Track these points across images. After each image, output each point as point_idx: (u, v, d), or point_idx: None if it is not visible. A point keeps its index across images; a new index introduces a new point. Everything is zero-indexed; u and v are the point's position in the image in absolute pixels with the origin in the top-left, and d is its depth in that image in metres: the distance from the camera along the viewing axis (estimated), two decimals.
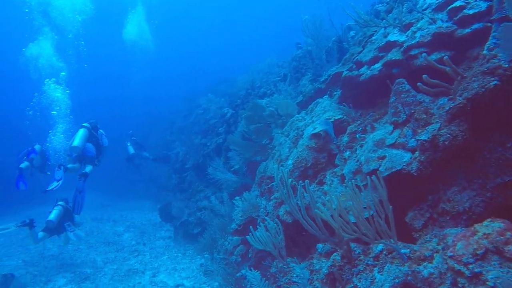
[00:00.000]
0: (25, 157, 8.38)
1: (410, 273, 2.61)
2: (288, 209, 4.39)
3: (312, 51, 7.93)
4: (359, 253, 3.25)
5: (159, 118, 17.28)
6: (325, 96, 5.93)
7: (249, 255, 5.66)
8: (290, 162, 4.78)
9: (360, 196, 2.96)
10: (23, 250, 9.56)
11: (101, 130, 8.24)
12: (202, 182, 9.98)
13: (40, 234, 7.41)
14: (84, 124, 7.87)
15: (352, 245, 3.30)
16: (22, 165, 7.98)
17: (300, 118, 5.82)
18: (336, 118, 4.69)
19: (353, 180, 3.49)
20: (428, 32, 3.52)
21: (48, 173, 8.77)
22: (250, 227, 4.13)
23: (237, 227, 5.30)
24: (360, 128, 4.18)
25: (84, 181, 7.40)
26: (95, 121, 8.18)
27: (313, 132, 4.76)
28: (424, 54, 3.06)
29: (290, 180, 4.20)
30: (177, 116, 15.47)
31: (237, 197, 5.91)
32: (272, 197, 4.93)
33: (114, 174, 17.15)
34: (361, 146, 3.90)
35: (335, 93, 5.64)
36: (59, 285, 7.13)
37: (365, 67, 4.27)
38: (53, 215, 7.51)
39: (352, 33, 6.94)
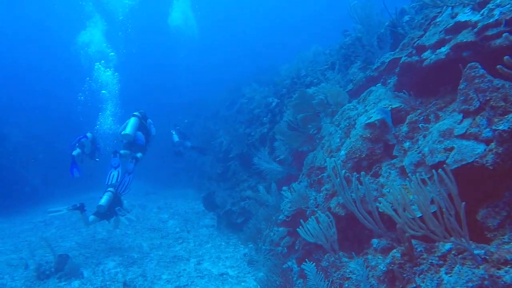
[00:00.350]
0: (77, 144, 8.65)
1: (487, 277, 2.34)
2: (341, 201, 4.19)
3: (362, 38, 7.58)
4: (421, 251, 3.00)
5: (203, 107, 17.36)
6: (378, 84, 5.62)
7: (296, 247, 5.50)
8: (342, 153, 4.55)
9: (426, 190, 2.71)
10: (76, 232, 9.90)
11: (150, 120, 8.44)
12: (246, 172, 9.91)
13: (91, 217, 7.72)
14: (135, 113, 8.09)
15: (413, 242, 3.06)
16: (74, 152, 8.23)
17: (352, 107, 5.55)
18: (393, 106, 4.40)
19: (417, 173, 3.22)
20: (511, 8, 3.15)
21: (97, 159, 9.05)
22: (301, 220, 3.96)
23: (285, 218, 5.15)
24: (422, 118, 3.88)
25: (135, 164, 7.72)
26: (144, 111, 8.37)
27: (368, 121, 4.50)
28: (506, 34, 2.74)
29: (343, 171, 3.97)
30: (221, 106, 15.49)
31: (284, 188, 5.76)
32: (323, 188, 4.72)
33: (158, 163, 17.46)
34: (424, 136, 3.61)
35: (389, 81, 5.33)
36: (109, 267, 7.29)
37: (429, 51, 3.94)
38: (103, 200, 7.80)
39: (406, 17, 6.56)
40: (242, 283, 6.25)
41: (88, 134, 9.14)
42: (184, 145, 12.14)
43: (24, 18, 32.48)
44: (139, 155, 7.98)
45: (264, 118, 9.65)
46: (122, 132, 7.72)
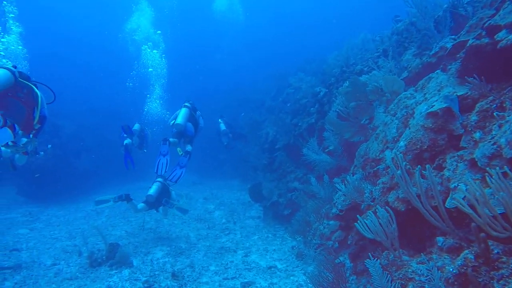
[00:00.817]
0: (126, 135, 8.86)
1: None
2: (401, 195, 3.89)
3: (416, 22, 7.13)
4: (498, 253, 2.69)
5: (248, 98, 17.24)
6: (437, 70, 5.21)
7: (349, 242, 5.26)
8: (402, 144, 4.23)
9: (510, 186, 2.40)
10: (125, 221, 10.13)
11: (199, 112, 8.53)
12: (293, 163, 9.70)
13: (140, 205, 7.89)
14: (186, 104, 8.15)
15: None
16: (126, 141, 8.46)
17: (409, 95, 5.17)
18: (459, 94, 4.02)
19: (491, 167, 2.89)
20: None
21: (145, 150, 9.24)
22: (358, 215, 3.72)
23: (338, 211, 4.91)
24: (495, 105, 3.50)
25: (189, 159, 7.82)
26: (193, 102, 8.45)
27: (429, 110, 4.15)
28: None
29: (404, 163, 3.68)
30: (266, 96, 15.29)
31: (336, 179, 5.51)
32: (379, 181, 4.44)
33: (204, 154, 17.60)
34: (500, 126, 3.24)
35: (450, 66, 4.91)
36: (157, 257, 7.36)
37: (504, 31, 3.54)
38: (152, 190, 7.99)
39: None
40: (291, 277, 6.09)
41: (136, 126, 9.39)
42: (228, 136, 12.16)
43: (72, 12, 33.53)
44: (189, 148, 8.04)
45: (311, 108, 9.37)
46: (174, 122, 7.79)
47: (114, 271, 6.71)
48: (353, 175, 5.63)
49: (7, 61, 4.91)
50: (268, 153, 11.08)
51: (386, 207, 3.77)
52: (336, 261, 5.29)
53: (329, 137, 7.11)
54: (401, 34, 7.81)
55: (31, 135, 4.68)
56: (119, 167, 17.29)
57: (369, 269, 3.51)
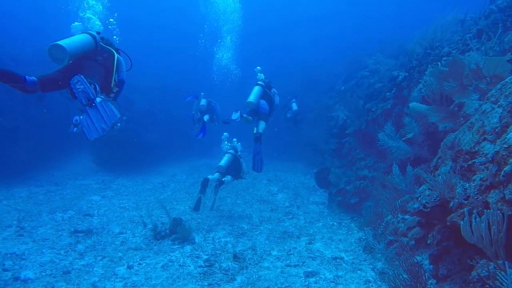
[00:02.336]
0: (195, 111, 8.98)
1: None
2: (509, 196, 3.22)
3: None
4: None
5: (317, 81, 16.51)
6: None
7: (429, 241, 4.63)
8: (511, 135, 3.51)
9: None
10: (189, 197, 10.12)
11: (274, 89, 8.25)
12: (363, 150, 9.04)
13: (215, 175, 8.14)
14: (259, 82, 7.94)
15: None
16: (205, 118, 8.70)
17: None
18: None
19: None
20: None
21: (216, 123, 9.22)
22: (451, 216, 3.12)
23: (421, 206, 4.30)
24: None
25: (260, 144, 7.55)
26: (269, 80, 8.21)
27: None
28: None
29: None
30: (336, 79, 14.52)
31: (418, 169, 4.86)
32: (476, 177, 3.75)
33: (270, 135, 17.27)
34: None
35: None
36: (219, 236, 7.19)
37: None
38: (223, 161, 8.23)
39: None
40: (358, 271, 5.58)
41: (203, 101, 9.39)
42: (299, 116, 11.80)
43: None
44: (261, 128, 7.67)
45: (388, 93, 8.58)
46: (247, 100, 7.61)
47: (177, 246, 6.63)
48: (436, 167, 4.95)
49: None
50: (337, 138, 10.47)
51: (495, 209, 3.12)
52: (413, 260, 4.69)
53: (409, 123, 6.38)
54: (502, 12, 6.79)
55: (111, 98, 4.78)
56: (185, 142, 17.68)
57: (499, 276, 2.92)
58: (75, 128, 6.93)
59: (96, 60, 4.47)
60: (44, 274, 5.46)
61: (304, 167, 14.04)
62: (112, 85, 4.55)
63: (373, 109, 8.70)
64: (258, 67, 8.49)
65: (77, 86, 4.02)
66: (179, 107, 17.98)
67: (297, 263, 5.89)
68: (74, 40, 4.08)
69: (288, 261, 5.97)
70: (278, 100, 8.39)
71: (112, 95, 4.76)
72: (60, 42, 3.86)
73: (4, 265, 5.65)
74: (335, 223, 7.88)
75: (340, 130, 10.34)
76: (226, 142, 9.74)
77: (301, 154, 15.05)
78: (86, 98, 4.10)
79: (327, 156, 10.47)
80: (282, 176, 13.02)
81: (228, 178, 8.25)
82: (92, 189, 10.86)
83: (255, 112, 7.77)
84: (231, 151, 8.51)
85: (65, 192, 10.35)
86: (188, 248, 6.54)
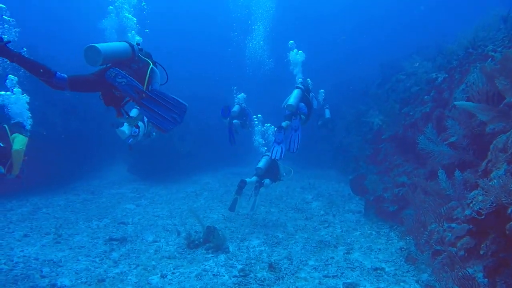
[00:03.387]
0: (228, 115, 9.19)
1: None
2: None
3: None
4: None
5: (351, 88, 16.01)
6: None
7: (482, 252, 4.19)
8: None
9: None
10: (222, 205, 9.94)
11: (312, 93, 8.08)
12: (401, 156, 8.59)
13: (253, 178, 8.05)
14: (298, 85, 7.79)
15: None
16: (235, 121, 9.03)
17: None
18: None
19: None
20: None
21: (250, 129, 9.15)
22: None
23: (474, 213, 3.90)
24: None
25: (299, 121, 7.42)
26: (307, 84, 8.07)
27: None
28: None
29: None
30: (370, 84, 14.02)
31: (466, 173, 4.45)
32: None
33: (303, 141, 16.90)
34: None
35: None
36: (253, 244, 6.94)
37: None
38: (262, 163, 8.09)
39: None
40: (401, 283, 5.19)
41: (236, 107, 9.34)
42: (331, 124, 11.51)
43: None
44: (284, 124, 7.49)
45: (426, 96, 8.13)
46: (286, 103, 7.46)
47: (211, 254, 6.43)
48: (486, 171, 4.52)
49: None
50: (372, 144, 10.04)
51: None
52: (463, 272, 4.27)
53: (452, 126, 5.94)
54: None
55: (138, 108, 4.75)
56: (218, 151, 17.60)
57: None
58: (131, 139, 6.84)
59: (130, 67, 4.39)
60: (79, 281, 5.40)
61: (338, 175, 13.59)
62: (142, 95, 4.33)
63: (411, 113, 8.25)
64: (299, 77, 8.28)
65: (118, 80, 3.93)
66: (212, 116, 17.96)
67: (335, 274, 5.55)
68: (110, 45, 4.04)
69: (325, 272, 5.64)
70: (316, 104, 8.28)
71: (141, 105, 4.56)
72: (95, 44, 3.81)
73: (42, 271, 5.68)
74: (373, 232, 7.46)
75: (375, 135, 9.90)
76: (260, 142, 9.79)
77: (335, 161, 14.61)
78: (135, 90, 4.01)
79: (362, 162, 10.03)
80: (316, 183, 12.64)
81: (267, 181, 8.08)
82: (127, 197, 10.89)
83: (294, 115, 7.58)
84: (268, 153, 8.28)
85: (101, 200, 10.43)
86: (222, 257, 6.33)
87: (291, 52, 8.55)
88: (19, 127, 5.90)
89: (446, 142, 6.20)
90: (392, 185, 8.21)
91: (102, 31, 6.72)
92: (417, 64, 9.24)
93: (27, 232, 7.56)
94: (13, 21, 6.41)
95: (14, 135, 5.66)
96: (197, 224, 8.02)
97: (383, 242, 6.86)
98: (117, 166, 14.97)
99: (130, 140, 6.46)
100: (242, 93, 9.94)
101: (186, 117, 14.36)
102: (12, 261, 6.04)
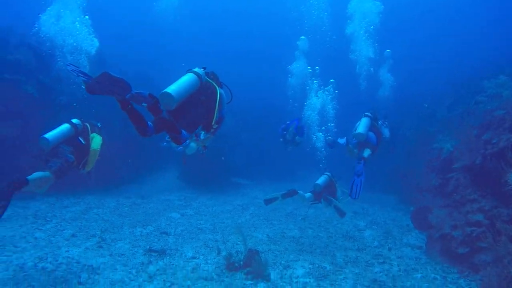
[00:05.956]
0: (284, 131, 8.76)
1: None
2: None
3: None
4: None
5: (415, 105, 14.44)
6: None
7: None
8: None
9: None
10: (268, 224, 9.10)
11: (380, 121, 7.63)
12: (476, 190, 7.19)
13: (308, 194, 7.53)
14: (366, 113, 7.35)
15: None
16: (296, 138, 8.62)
17: None
18: None
19: None
20: None
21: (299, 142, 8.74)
22: None
23: None
24: None
25: (364, 165, 6.91)
26: (374, 111, 7.61)
27: None
28: None
29: None
30: (438, 105, 12.45)
31: None
32: None
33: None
34: None
35: None
36: (297, 274, 5.96)
37: None
38: (320, 180, 7.57)
39: None
40: None
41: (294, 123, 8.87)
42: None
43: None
44: (366, 153, 7.12)
45: None
46: (355, 132, 7.07)
47: (250, 281, 5.55)
48: None
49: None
50: (439, 173, 8.68)
51: None
52: None
53: None
54: None
55: (208, 134, 4.73)
56: (269, 164, 16.82)
57: None
58: (165, 143, 7.10)
59: (199, 100, 4.35)
60: None
61: (395, 202, 12.20)
62: (213, 122, 4.43)
63: (494, 141, 6.89)
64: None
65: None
66: (266, 130, 17.26)
67: None
68: (180, 85, 3.98)
69: None
70: (387, 133, 7.69)
71: (211, 130, 4.63)
72: (168, 90, 3.79)
73: (80, 277, 5.24)
74: (438, 277, 6.16)
75: (445, 163, 8.54)
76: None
77: (392, 186, 13.21)
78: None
79: (426, 193, 8.71)
80: (370, 209, 11.36)
81: (340, 196, 7.70)
82: (174, 205, 10.44)
83: (363, 145, 7.26)
84: (327, 173, 7.75)
85: (148, 206, 10.09)
86: (261, 286, 5.42)
87: None
88: (97, 128, 6.28)
89: None
90: (463, 223, 6.83)
91: None
92: None
93: (75, 232, 7.35)
94: None
95: (93, 134, 6.02)
96: (239, 242, 7.23)
97: None
98: (168, 173, 14.74)
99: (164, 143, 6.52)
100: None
101: (239, 128, 13.89)
102: (57, 261, 5.77)
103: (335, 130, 7.85)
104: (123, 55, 21.73)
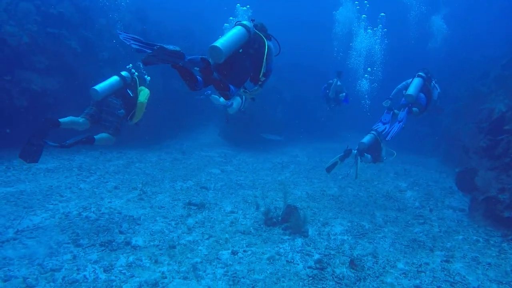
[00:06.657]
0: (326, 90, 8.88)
1: None
2: None
3: None
4: None
5: (467, 65, 13.57)
6: None
7: None
8: None
9: None
10: (308, 182, 9.19)
11: (434, 82, 7.30)
12: None
13: (354, 151, 7.51)
14: (419, 73, 7.10)
15: None
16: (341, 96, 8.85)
17: None
18: None
19: None
20: None
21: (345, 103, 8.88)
22: None
23: None
24: None
25: (408, 113, 6.98)
26: (430, 73, 7.31)
27: None
28: None
29: None
30: (492, 65, 11.63)
31: None
32: None
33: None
34: None
35: None
36: (335, 231, 6.06)
37: None
38: (366, 139, 7.49)
39: None
40: None
41: (334, 80, 8.73)
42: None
43: None
44: (415, 109, 7.03)
45: None
46: (405, 92, 6.95)
47: (287, 236, 5.72)
48: None
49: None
50: (488, 134, 8.25)
51: None
52: None
53: None
54: None
55: (256, 86, 4.72)
56: (310, 123, 16.64)
57: None
58: (202, 96, 8.29)
59: (248, 52, 4.34)
60: (152, 244, 5.09)
61: (439, 164, 11.84)
62: (260, 75, 4.46)
63: None
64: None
65: None
66: (308, 88, 16.93)
67: (430, 286, 4.46)
68: (229, 38, 3.98)
69: (418, 281, 4.56)
70: (437, 95, 7.36)
71: (259, 83, 4.63)
72: (217, 44, 3.80)
73: (121, 226, 5.52)
74: (481, 239, 6.05)
75: (495, 124, 8.08)
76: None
77: (437, 148, 12.76)
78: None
79: (473, 154, 8.36)
80: (412, 170, 11.12)
81: (369, 156, 7.40)
82: (214, 161, 10.66)
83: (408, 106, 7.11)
84: (373, 132, 7.60)
85: (189, 161, 10.32)
86: (299, 241, 5.57)
87: None
88: (145, 81, 6.40)
89: None
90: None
91: None
92: None
93: (118, 184, 7.63)
94: None
95: (141, 87, 6.15)
96: (278, 198, 7.38)
97: (494, 255, 5.46)
98: (209, 129, 14.93)
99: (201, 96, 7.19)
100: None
101: (281, 86, 13.75)
102: (100, 211, 6.06)
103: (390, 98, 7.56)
104: (163, 8, 21.59)
